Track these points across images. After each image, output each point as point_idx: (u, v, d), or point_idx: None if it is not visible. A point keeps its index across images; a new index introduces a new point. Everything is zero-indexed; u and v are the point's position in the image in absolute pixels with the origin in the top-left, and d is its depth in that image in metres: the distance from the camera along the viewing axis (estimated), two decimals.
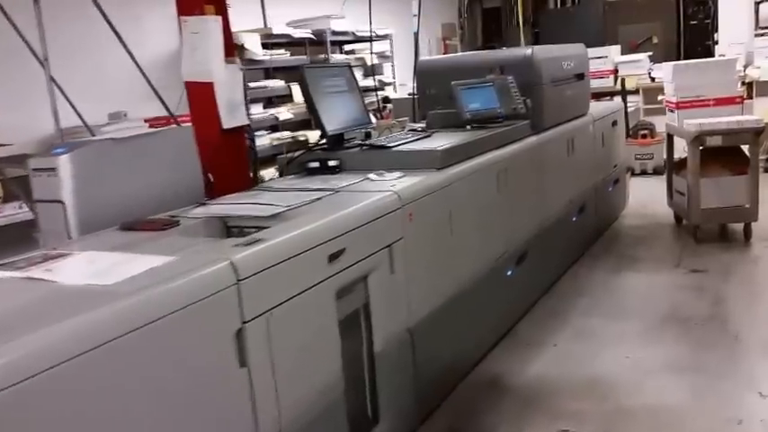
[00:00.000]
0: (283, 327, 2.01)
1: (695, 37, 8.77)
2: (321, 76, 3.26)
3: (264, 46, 5.53)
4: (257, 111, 5.37)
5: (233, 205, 2.57)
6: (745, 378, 3.06)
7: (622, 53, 8.19)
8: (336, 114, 3.27)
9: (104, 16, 3.12)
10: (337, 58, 6.17)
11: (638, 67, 7.73)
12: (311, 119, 3.13)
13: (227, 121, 3.18)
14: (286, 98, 5.81)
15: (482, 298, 3.30)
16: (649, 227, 5.52)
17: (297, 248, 2.09)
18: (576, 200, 4.60)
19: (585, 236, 4.88)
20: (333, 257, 2.23)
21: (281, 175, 3.37)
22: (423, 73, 4.26)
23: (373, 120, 3.74)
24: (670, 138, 5.44)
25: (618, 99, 7.75)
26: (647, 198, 6.21)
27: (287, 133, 5.57)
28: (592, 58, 7.99)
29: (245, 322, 1.88)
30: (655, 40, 8.69)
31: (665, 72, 5.45)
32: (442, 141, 3.23)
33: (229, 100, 3.19)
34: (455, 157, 3.11)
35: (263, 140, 5.33)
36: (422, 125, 3.91)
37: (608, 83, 7.97)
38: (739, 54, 7.23)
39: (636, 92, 7.81)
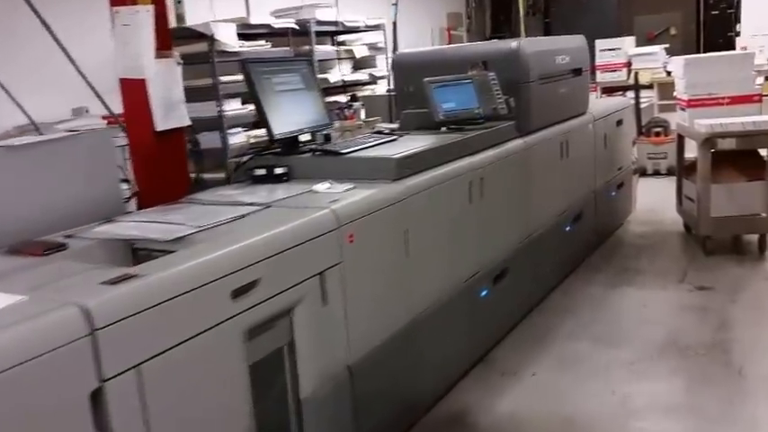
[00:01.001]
0: (164, 382, 1.66)
1: (716, 28, 8.26)
2: (270, 72, 2.89)
3: (245, 37, 5.18)
4: (235, 106, 5.02)
5: (139, 223, 2.23)
6: (746, 423, 2.67)
7: (638, 45, 7.72)
8: (288, 115, 2.91)
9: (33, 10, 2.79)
10: (325, 49, 5.80)
11: (652, 61, 7.27)
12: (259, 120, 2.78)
13: (162, 122, 2.83)
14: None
15: (449, 323, 2.93)
16: (656, 235, 5.09)
17: (186, 285, 1.74)
18: (570, 208, 4.20)
19: (582, 246, 4.47)
20: (239, 292, 1.88)
21: (228, 182, 3.02)
22: (400, 68, 3.88)
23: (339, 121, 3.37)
24: (681, 138, 5.01)
25: (631, 94, 7.31)
26: (656, 202, 5.78)
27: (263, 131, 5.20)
28: (604, 50, 7.63)
29: (104, 380, 1.54)
30: (673, 32, 8.20)
31: (675, 66, 5.01)
32: (405, 146, 2.86)
33: (165, 99, 2.84)
34: (416, 166, 2.74)
35: (240, 138, 4.99)
36: (395, 126, 3.54)
37: (621, 77, 7.52)
38: (762, 47, 6.75)
39: (650, 86, 7.34)
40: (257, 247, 1.96)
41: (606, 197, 4.85)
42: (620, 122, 5.04)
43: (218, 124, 4.94)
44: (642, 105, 7.31)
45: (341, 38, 6.44)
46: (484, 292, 3.21)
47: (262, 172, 2.84)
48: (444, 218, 2.87)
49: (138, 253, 2.16)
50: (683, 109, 4.80)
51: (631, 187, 5.49)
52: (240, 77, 5.09)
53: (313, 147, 2.90)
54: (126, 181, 2.75)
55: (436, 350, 2.84)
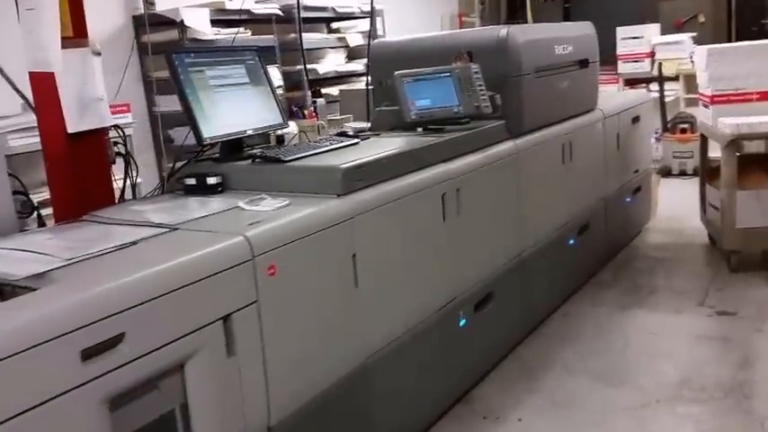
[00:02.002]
0: None
1: (749, 15, 7.63)
2: (203, 64, 2.45)
3: (224, 24, 4.74)
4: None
5: (9, 251, 1.80)
6: None
7: (663, 33, 7.13)
8: (225, 115, 2.47)
9: None
10: (314, 38, 5.34)
11: (678, 50, 6.69)
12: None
13: (76, 123, 2.40)
14: None
15: (418, 360, 2.48)
16: (676, 246, 4.56)
17: (18, 342, 1.31)
18: (574, 219, 3.70)
19: (588, 261, 3.97)
20: (92, 353, 1.44)
21: (163, 192, 2.59)
22: (378, 59, 3.41)
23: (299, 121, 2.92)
24: (704, 138, 4.47)
25: (655, 87, 6.76)
26: (680, 207, 5.23)
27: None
28: (625, 39, 7.05)
29: None
30: (701, 19, 7.59)
31: (698, 58, 4.47)
32: (363, 153, 2.41)
33: (79, 96, 2.41)
34: (372, 177, 2.28)
35: None
36: (366, 125, 3.08)
37: (644, 67, 6.95)
38: None
39: (675, 78, 6.77)
40: (126, 291, 1.52)
41: (619, 204, 4.34)
42: (636, 119, 4.51)
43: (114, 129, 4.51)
44: (667, 99, 6.76)
45: (336, 25, 5.97)
46: (462, 322, 2.75)
47: (192, 181, 2.40)
48: (409, 238, 2.41)
49: (3, 289, 1.74)
50: (705, 106, 4.26)
51: (650, 191, 4.96)
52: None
53: (250, 153, 2.45)
54: (20, 193, 2.33)
55: (400, 393, 2.39)
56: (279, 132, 2.76)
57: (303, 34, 5.17)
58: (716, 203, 4.15)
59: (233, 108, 2.50)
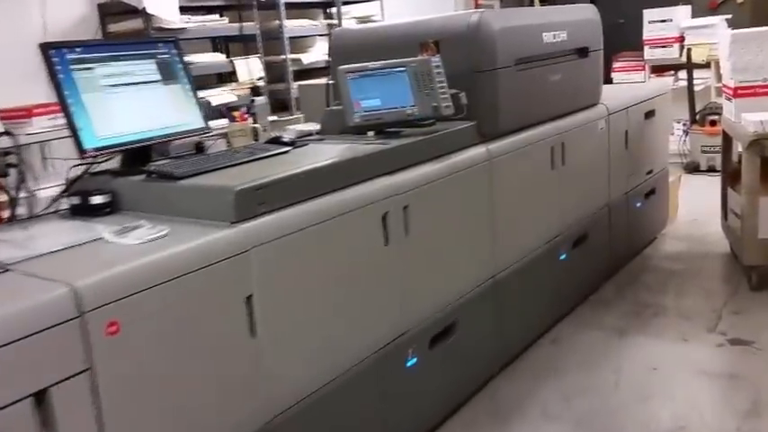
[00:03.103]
0: None
1: None
2: (92, 60, 2.06)
3: (198, 11, 4.37)
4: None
5: None
6: None
7: (695, 15, 6.53)
8: (122, 120, 2.08)
9: None
10: (300, 25, 4.92)
11: (709, 35, 6.09)
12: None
13: None
14: (227, 77, 4.64)
15: (347, 413, 2.07)
16: (693, 257, 4.07)
17: None
18: (568, 230, 3.24)
19: (586, 276, 3.51)
20: None
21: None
22: (339, 50, 2.99)
23: (222, 122, 2.53)
24: (727, 136, 3.95)
25: (683, 74, 6.20)
26: (704, 208, 4.71)
27: (225, 122, 4.37)
28: (653, 22, 6.48)
29: None
30: (739, 0, 6.95)
31: (721, 44, 3.94)
32: (282, 167, 2.01)
33: None
34: (278, 199, 1.87)
35: None
36: (314, 128, 2.67)
37: (672, 53, 6.37)
38: None
39: (706, 65, 6.19)
40: None
41: (628, 210, 3.86)
42: (650, 114, 4.01)
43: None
44: (697, 88, 6.19)
45: (334, 10, 5.54)
46: (411, 362, 2.33)
47: (76, 201, 2.03)
48: (333, 268, 2.00)
49: None
50: (728, 99, 3.75)
51: (667, 193, 4.45)
52: (191, 59, 4.33)
53: (146, 169, 2.05)
54: None
55: None
56: (202, 138, 2.36)
57: (290, 21, 4.77)
58: (738, 210, 3.64)
59: (132, 111, 2.12)
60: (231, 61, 4.53)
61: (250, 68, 4.54)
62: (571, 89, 3.21)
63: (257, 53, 4.65)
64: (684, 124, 6.26)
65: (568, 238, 3.27)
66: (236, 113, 2.49)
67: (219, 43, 4.96)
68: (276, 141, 2.36)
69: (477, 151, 2.61)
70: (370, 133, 2.47)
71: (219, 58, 4.52)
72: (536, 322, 3.10)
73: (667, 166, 4.43)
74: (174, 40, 2.32)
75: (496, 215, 2.71)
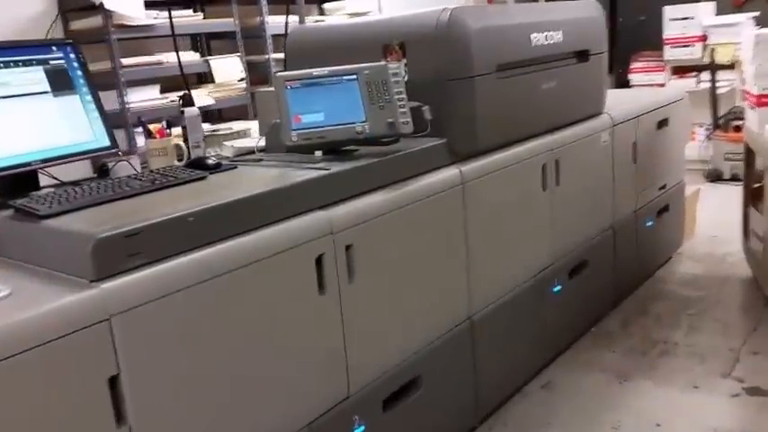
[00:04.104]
0: None
1: None
2: None
3: (169, 5, 4.01)
4: (144, 96, 3.86)
5: None
6: None
7: (720, 13, 6.05)
8: None
9: None
10: (279, 20, 4.53)
11: (735, 34, 5.61)
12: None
13: None
14: (203, 78, 4.29)
15: None
16: (711, 280, 3.63)
17: None
18: (564, 257, 2.84)
19: (586, 308, 3.10)
20: None
21: None
22: (295, 52, 2.61)
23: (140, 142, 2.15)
24: (749, 149, 3.51)
25: (706, 76, 5.74)
26: (726, 222, 4.26)
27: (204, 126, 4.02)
28: (674, 20, 6.00)
29: None
30: None
31: (744, 45, 3.50)
32: (180, 202, 1.63)
33: None
34: (158, 249, 1.48)
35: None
36: (257, 144, 2.29)
37: (694, 53, 5.90)
38: None
39: (731, 66, 5.71)
40: None
41: (636, 230, 3.44)
42: (663, 123, 3.58)
43: (123, 120, 3.82)
44: (720, 91, 5.73)
45: (333, 5, 5.15)
46: (359, 430, 1.95)
47: None
48: (240, 336, 1.62)
49: None
50: (751, 107, 3.31)
51: (683, 209, 4.01)
52: (154, 58, 3.98)
53: (12, 203, 1.68)
54: None
55: None
56: (107, 158, 2.00)
57: (273, 17, 4.39)
58: (761, 233, 3.21)
59: (7, 129, 1.75)
60: (207, 61, 4.16)
61: (228, 69, 4.17)
62: (568, 98, 2.79)
63: (237, 52, 4.29)
64: (707, 129, 5.80)
65: (563, 268, 2.86)
66: (154, 127, 2.11)
67: (200, 41, 4.61)
68: (197, 164, 1.99)
69: (448, 174, 2.22)
70: (318, 153, 2.09)
71: (193, 57, 4.16)
72: (523, 365, 2.69)
73: (684, 179, 3.98)
74: (72, 43, 1.96)
75: (473, 247, 2.31)
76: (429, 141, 2.21)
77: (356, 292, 1.89)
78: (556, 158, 2.70)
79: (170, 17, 3.38)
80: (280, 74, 2.04)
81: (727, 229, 4.21)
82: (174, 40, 2.92)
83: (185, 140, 2.22)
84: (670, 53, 6.03)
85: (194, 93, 4.03)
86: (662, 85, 5.99)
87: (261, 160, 2.12)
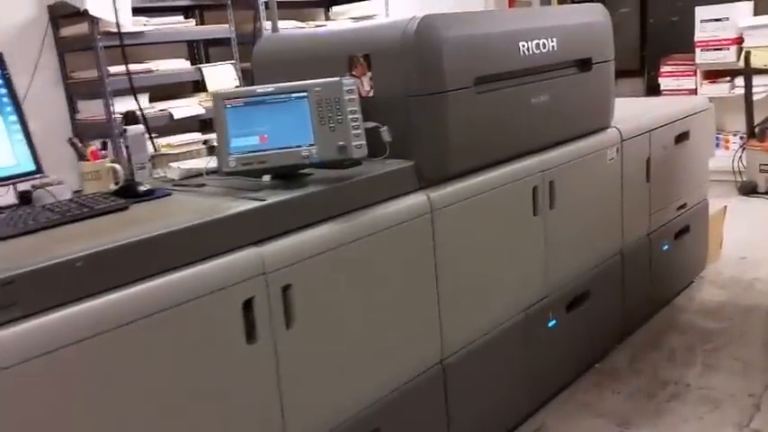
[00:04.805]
0: None
1: None
2: None
3: (161, 12, 3.85)
4: (135, 106, 3.68)
5: None
6: None
7: (757, 13, 5.67)
8: None
9: None
10: (283, 26, 4.33)
11: None
12: None
13: None
14: (194, 86, 4.11)
15: None
16: (735, 310, 3.32)
17: None
18: (560, 289, 2.57)
19: (588, 344, 2.82)
20: None
21: None
22: (263, 64, 2.39)
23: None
24: None
25: (740, 81, 5.38)
26: (757, 242, 3.94)
27: (188, 137, 3.85)
28: (706, 21, 5.65)
29: None
30: None
31: None
32: (74, 243, 1.42)
33: None
34: (37, 300, 1.28)
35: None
36: (207, 165, 2.08)
37: (728, 57, 5.54)
38: None
39: (767, 72, 5.34)
40: None
41: (650, 255, 3.14)
42: (683, 136, 3.28)
43: (109, 130, 3.66)
44: (756, 97, 5.35)
45: (342, 8, 4.94)
46: None
47: None
48: (146, 390, 1.41)
49: None
50: None
51: (707, 230, 3.69)
52: (142, 66, 3.81)
53: None
54: None
55: None
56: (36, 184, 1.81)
57: (269, 23, 4.19)
58: None
59: None
60: (199, 69, 3.98)
61: (221, 76, 3.99)
62: (565, 112, 2.53)
63: (231, 59, 4.11)
64: (741, 138, 5.44)
65: (560, 300, 2.59)
66: (89, 148, 1.91)
67: (197, 48, 4.44)
68: (127, 190, 1.79)
69: (414, 201, 1.98)
70: (266, 177, 1.87)
71: (183, 64, 3.98)
72: (510, 410, 2.43)
73: (707, 197, 3.66)
74: None
75: (444, 283, 2.06)
76: (394, 164, 1.97)
77: (295, 339, 1.66)
78: (550, 179, 2.44)
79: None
80: (218, 92, 1.82)
81: (758, 250, 3.89)
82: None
83: (129, 161, 2.02)
84: (701, 57, 5.68)
85: (186, 101, 3.88)
86: (693, 91, 5.64)
87: (203, 185, 1.91)
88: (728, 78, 5.54)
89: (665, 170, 3.17)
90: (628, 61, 6.94)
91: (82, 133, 3.73)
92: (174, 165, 2.04)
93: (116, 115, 3.67)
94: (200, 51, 4.42)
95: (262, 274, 1.58)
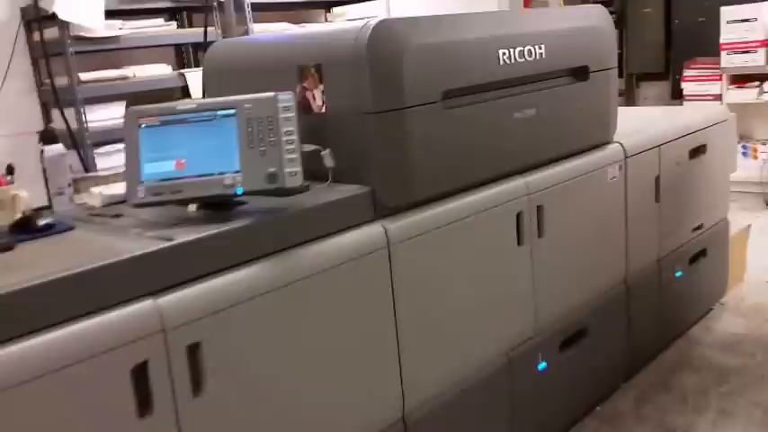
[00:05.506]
0: None
1: None
2: None
3: (138, 14, 3.61)
4: (105, 115, 3.45)
5: None
6: None
7: None
8: None
9: None
10: (273, 29, 4.06)
11: None
12: None
13: None
14: (183, 92, 3.86)
15: None
16: (755, 343, 2.99)
17: None
18: (551, 327, 2.28)
19: (585, 387, 2.51)
20: None
21: None
22: (212, 75, 2.13)
23: None
24: None
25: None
26: None
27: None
28: (732, 22, 5.28)
29: None
30: None
31: None
32: None
33: None
34: None
35: (116, 158, 3.46)
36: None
37: (756, 60, 5.17)
38: None
39: None
40: None
41: (660, 283, 2.83)
42: (698, 150, 2.96)
43: (80, 140, 3.44)
44: None
45: (342, 8, 4.67)
46: None
47: None
48: None
49: None
50: None
51: (727, 252, 3.35)
52: (116, 73, 3.58)
53: None
54: None
55: None
56: None
57: (259, 25, 3.95)
58: None
59: None
60: (182, 74, 3.74)
61: None
62: (557, 127, 2.23)
63: None
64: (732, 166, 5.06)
65: (551, 339, 2.29)
66: None
67: (185, 53, 4.20)
68: (24, 224, 1.53)
69: (367, 233, 1.70)
70: (192, 207, 1.61)
71: (164, 69, 3.74)
72: None
73: (727, 216, 3.33)
74: None
75: (406, 327, 1.78)
76: (346, 191, 1.70)
77: (205, 407, 1.39)
78: (537, 203, 2.14)
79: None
80: (132, 108, 1.56)
81: None
82: None
83: (46, 186, 1.78)
84: (727, 60, 5.31)
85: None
86: (718, 97, 5.28)
87: (120, 216, 1.65)
88: (757, 83, 5.17)
89: (678, 188, 2.86)
90: (652, 64, 6.59)
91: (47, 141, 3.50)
92: (95, 190, 1.78)
93: (88, 124, 3.44)
94: (188, 56, 4.18)
95: (160, 331, 1.31)
